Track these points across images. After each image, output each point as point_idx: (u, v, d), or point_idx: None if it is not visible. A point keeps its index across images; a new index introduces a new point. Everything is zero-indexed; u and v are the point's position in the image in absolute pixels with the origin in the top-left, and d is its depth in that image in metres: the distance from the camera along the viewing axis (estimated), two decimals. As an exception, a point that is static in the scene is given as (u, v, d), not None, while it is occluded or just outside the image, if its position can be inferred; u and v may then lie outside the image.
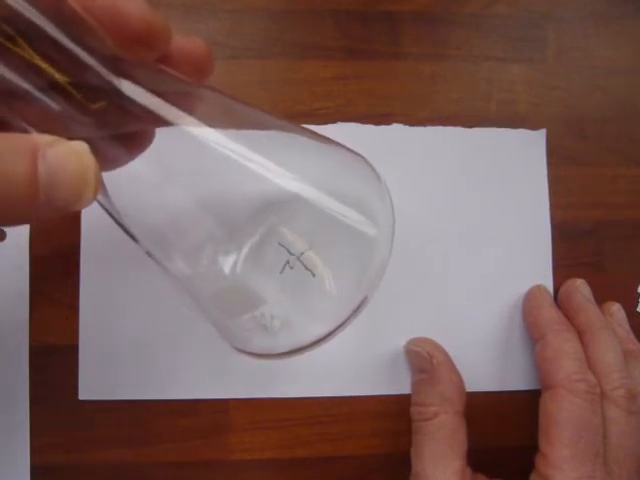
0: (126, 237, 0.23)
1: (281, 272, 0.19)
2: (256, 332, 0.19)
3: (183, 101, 0.15)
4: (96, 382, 0.25)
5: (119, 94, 0.13)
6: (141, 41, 0.14)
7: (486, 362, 0.26)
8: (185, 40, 0.15)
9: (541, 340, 0.25)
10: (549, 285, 0.27)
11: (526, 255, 0.27)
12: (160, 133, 0.15)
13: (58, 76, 0.12)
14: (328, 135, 0.19)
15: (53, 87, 0.12)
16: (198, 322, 0.25)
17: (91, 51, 0.12)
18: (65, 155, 0.12)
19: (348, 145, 0.20)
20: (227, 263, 0.17)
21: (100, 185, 0.13)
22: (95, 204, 0.14)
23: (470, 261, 0.26)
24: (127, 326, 0.25)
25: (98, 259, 0.25)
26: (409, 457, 0.24)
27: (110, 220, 0.25)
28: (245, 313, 0.19)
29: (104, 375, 0.25)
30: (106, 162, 0.14)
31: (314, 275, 0.22)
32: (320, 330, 0.20)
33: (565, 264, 0.27)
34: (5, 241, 0.25)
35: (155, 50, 0.14)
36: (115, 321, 0.24)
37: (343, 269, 0.21)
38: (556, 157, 0.27)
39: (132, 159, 0.14)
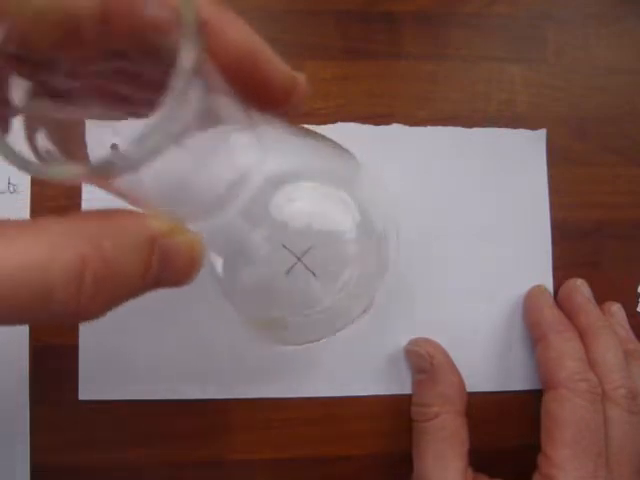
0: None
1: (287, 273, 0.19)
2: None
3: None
4: (96, 382, 0.25)
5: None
6: (280, 103, 0.14)
7: (486, 362, 0.26)
8: (292, 77, 0.14)
9: (542, 340, 0.25)
10: (549, 285, 0.27)
11: (526, 255, 0.27)
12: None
13: None
14: (328, 135, 0.19)
15: None
16: (198, 322, 0.25)
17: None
18: (181, 246, 0.12)
19: (348, 145, 0.20)
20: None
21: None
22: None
23: (470, 261, 0.26)
24: (127, 326, 0.25)
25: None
26: (410, 457, 0.24)
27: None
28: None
29: (104, 375, 0.25)
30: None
31: (315, 275, 0.22)
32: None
33: (565, 264, 0.27)
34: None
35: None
36: (115, 321, 0.24)
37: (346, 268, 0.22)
38: (556, 157, 0.27)
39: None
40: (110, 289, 0.11)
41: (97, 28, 0.11)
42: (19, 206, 0.25)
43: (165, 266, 0.12)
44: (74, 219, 0.11)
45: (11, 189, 0.25)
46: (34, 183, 0.25)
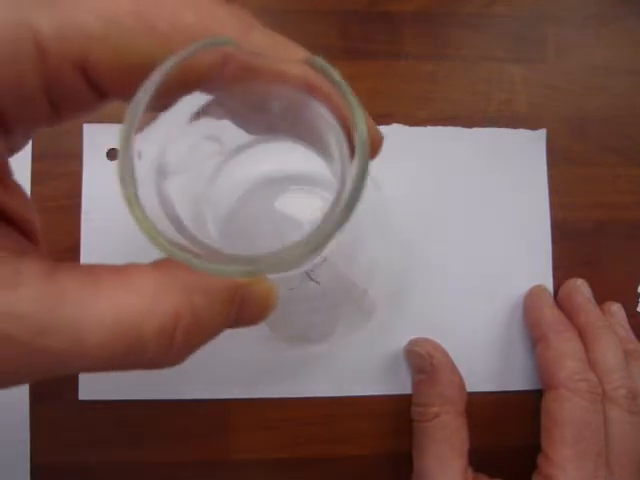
0: (126, 238, 0.23)
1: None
2: None
3: None
4: (96, 382, 0.25)
5: None
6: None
7: (486, 362, 0.26)
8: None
9: (542, 340, 0.25)
10: (549, 285, 0.27)
11: (526, 255, 0.27)
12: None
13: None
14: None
15: None
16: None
17: None
18: (259, 294, 0.13)
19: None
20: None
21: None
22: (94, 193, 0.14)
23: (470, 261, 0.26)
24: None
25: (98, 259, 0.25)
26: (410, 457, 0.24)
27: (110, 221, 0.25)
28: None
29: (104, 375, 0.25)
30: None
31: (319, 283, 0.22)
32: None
33: (565, 264, 0.27)
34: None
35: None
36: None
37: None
38: (556, 157, 0.27)
39: None
40: (196, 340, 0.12)
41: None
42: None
43: (243, 312, 0.12)
44: (165, 270, 0.11)
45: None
46: (34, 182, 0.25)
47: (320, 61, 0.13)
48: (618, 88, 0.28)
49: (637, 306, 0.27)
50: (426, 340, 0.25)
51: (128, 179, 0.11)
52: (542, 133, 0.27)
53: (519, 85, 0.28)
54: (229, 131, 0.16)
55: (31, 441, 0.24)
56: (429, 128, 0.27)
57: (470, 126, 0.27)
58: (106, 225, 0.25)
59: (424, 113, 0.27)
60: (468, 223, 0.27)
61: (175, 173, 0.14)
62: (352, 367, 0.26)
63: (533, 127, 0.27)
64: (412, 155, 0.27)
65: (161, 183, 0.13)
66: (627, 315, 0.27)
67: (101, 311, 0.10)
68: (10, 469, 0.24)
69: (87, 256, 0.25)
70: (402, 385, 0.26)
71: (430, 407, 0.24)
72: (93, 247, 0.25)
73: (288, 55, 0.12)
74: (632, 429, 0.23)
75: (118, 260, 0.24)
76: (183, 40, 0.11)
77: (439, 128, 0.27)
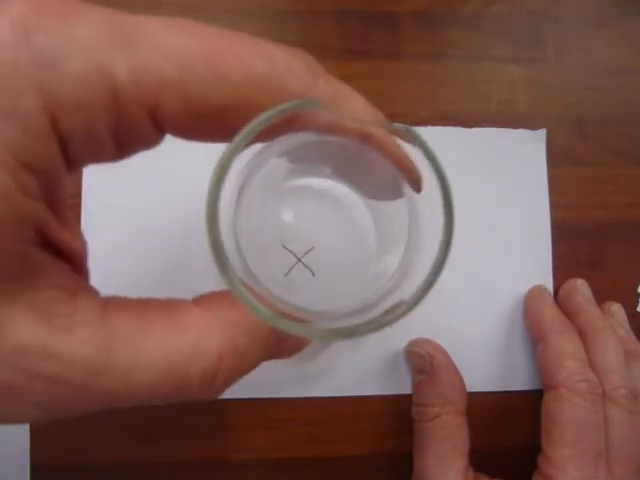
0: (126, 239, 0.24)
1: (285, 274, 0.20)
2: None
3: None
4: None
5: None
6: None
7: (487, 362, 0.26)
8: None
9: (542, 340, 0.25)
10: (549, 285, 0.27)
11: (526, 255, 0.27)
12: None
13: None
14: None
15: None
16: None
17: None
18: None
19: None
20: None
21: None
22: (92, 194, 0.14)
23: (470, 261, 0.26)
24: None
25: (98, 260, 0.25)
26: (410, 457, 0.24)
27: (110, 220, 0.25)
28: None
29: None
30: None
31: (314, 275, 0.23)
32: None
33: (565, 264, 0.27)
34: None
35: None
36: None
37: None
38: (556, 157, 0.27)
39: None
40: (236, 377, 0.12)
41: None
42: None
43: (278, 349, 0.13)
44: (210, 309, 0.12)
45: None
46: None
47: (402, 127, 0.14)
48: (618, 88, 0.28)
49: (637, 306, 0.27)
50: (426, 340, 0.25)
51: (226, 264, 0.11)
52: (542, 133, 0.27)
53: (519, 85, 0.28)
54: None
55: (31, 441, 0.24)
56: (429, 128, 0.27)
57: (470, 126, 0.27)
58: (106, 225, 0.25)
59: (424, 113, 0.27)
60: (468, 223, 0.27)
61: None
62: (352, 367, 0.26)
63: (533, 127, 0.27)
64: (411, 155, 0.27)
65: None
66: (627, 315, 0.27)
67: (151, 353, 0.11)
68: (10, 469, 0.24)
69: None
70: (402, 385, 0.26)
71: (430, 407, 0.24)
72: (93, 247, 0.25)
73: (352, 105, 0.14)
74: (632, 429, 0.23)
75: (118, 260, 0.24)
76: (254, 90, 0.11)
77: (439, 128, 0.27)
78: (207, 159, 0.12)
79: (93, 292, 0.12)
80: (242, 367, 0.12)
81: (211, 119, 0.11)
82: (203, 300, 0.12)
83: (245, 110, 0.11)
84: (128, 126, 0.11)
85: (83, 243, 0.13)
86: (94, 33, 0.10)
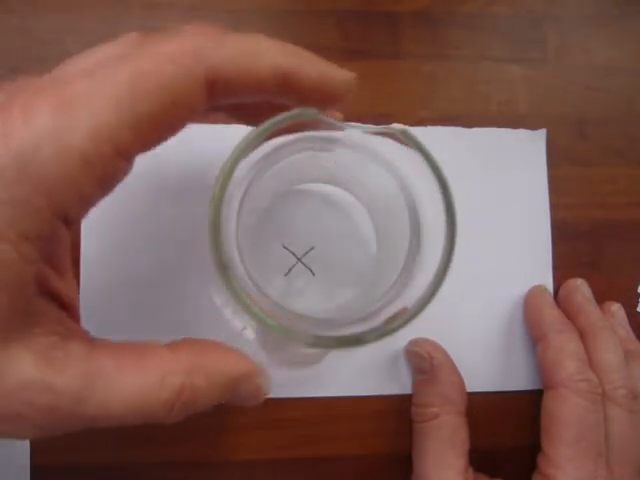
0: (127, 240, 0.24)
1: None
2: None
3: None
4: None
5: None
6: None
7: (487, 362, 0.26)
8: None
9: (542, 340, 0.25)
10: (549, 285, 0.27)
11: (526, 255, 0.27)
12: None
13: None
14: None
15: None
16: (197, 322, 0.25)
17: None
18: (252, 388, 0.17)
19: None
20: None
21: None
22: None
23: (470, 261, 0.26)
24: (127, 328, 0.25)
25: (98, 260, 0.25)
26: (410, 457, 0.24)
27: (110, 220, 0.25)
28: None
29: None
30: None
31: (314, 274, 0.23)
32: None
33: (565, 264, 0.27)
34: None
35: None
36: (115, 323, 0.24)
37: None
38: (556, 157, 0.27)
39: None
40: (192, 410, 0.15)
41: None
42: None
43: (235, 397, 0.16)
44: (177, 354, 0.15)
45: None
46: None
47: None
48: (618, 88, 0.28)
49: (637, 306, 0.27)
50: (426, 340, 0.25)
51: (242, 294, 0.12)
52: (542, 133, 0.27)
53: (519, 85, 0.28)
54: None
55: (31, 441, 0.24)
56: (429, 128, 0.27)
57: (470, 126, 0.27)
58: (106, 226, 0.25)
59: (424, 113, 0.27)
60: (468, 223, 0.26)
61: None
62: (352, 367, 0.26)
63: (533, 127, 0.27)
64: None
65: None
66: (627, 315, 0.27)
67: (125, 388, 0.14)
68: (10, 469, 0.24)
69: (87, 256, 0.25)
70: (402, 385, 0.26)
71: (430, 407, 0.24)
72: (93, 247, 0.25)
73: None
74: (632, 429, 0.23)
75: (119, 261, 0.24)
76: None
77: (439, 128, 0.27)
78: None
79: (82, 336, 0.15)
80: (197, 401, 0.15)
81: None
82: (173, 346, 0.15)
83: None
84: (110, 175, 0.13)
85: (75, 289, 0.15)
86: (49, 122, 0.12)
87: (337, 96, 0.16)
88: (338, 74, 0.16)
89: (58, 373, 0.13)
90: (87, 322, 0.16)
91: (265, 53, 0.14)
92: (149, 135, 0.13)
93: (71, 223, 0.13)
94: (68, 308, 0.15)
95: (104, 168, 0.13)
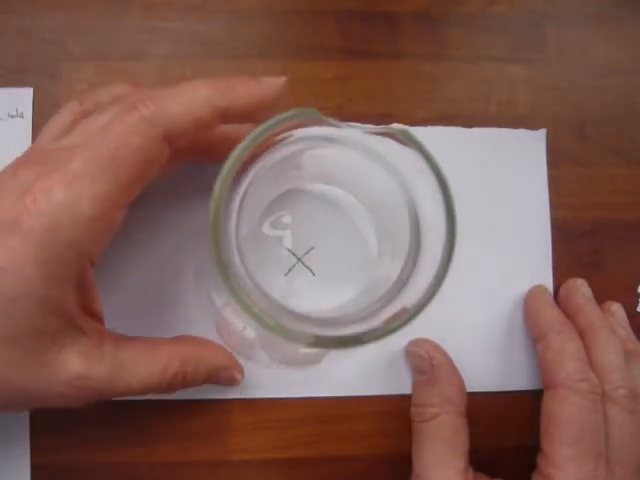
0: (127, 240, 0.24)
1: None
2: None
3: None
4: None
5: None
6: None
7: (486, 362, 0.26)
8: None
9: (542, 340, 0.24)
10: (549, 285, 0.27)
11: (526, 255, 0.27)
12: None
13: None
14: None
15: None
16: (197, 323, 0.25)
17: None
18: (228, 377, 0.23)
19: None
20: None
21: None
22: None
23: (470, 261, 0.26)
24: (128, 328, 0.25)
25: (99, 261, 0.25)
26: (410, 457, 0.24)
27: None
28: None
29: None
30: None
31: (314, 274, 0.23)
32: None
33: (565, 264, 0.27)
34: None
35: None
36: (115, 323, 0.23)
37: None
38: (556, 157, 0.27)
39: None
40: (185, 386, 0.21)
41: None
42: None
43: (216, 380, 0.23)
44: (176, 347, 0.21)
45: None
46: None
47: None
48: (618, 88, 0.28)
49: (637, 306, 0.27)
50: (426, 340, 0.25)
51: (242, 294, 0.13)
52: (542, 133, 0.27)
53: (519, 85, 0.28)
54: None
55: (31, 441, 0.24)
56: (429, 128, 0.27)
57: (470, 126, 0.27)
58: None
59: (424, 113, 0.27)
60: (468, 223, 0.26)
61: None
62: (352, 367, 0.26)
63: (533, 127, 0.27)
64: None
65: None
66: (627, 315, 0.27)
67: (140, 372, 0.20)
68: (10, 469, 0.24)
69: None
70: (402, 385, 0.26)
71: (429, 408, 0.24)
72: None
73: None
74: (632, 429, 0.22)
75: (119, 261, 0.24)
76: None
77: (439, 128, 0.27)
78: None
79: (110, 336, 0.20)
80: (188, 383, 0.21)
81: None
82: (174, 341, 0.22)
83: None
84: (113, 222, 0.18)
85: (100, 301, 0.21)
86: (62, 198, 0.17)
87: (272, 102, 0.19)
88: (269, 85, 0.19)
89: (96, 367, 0.18)
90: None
91: (202, 100, 0.18)
92: (134, 187, 0.18)
93: (95, 260, 0.19)
94: (98, 317, 0.21)
95: (108, 220, 0.18)
